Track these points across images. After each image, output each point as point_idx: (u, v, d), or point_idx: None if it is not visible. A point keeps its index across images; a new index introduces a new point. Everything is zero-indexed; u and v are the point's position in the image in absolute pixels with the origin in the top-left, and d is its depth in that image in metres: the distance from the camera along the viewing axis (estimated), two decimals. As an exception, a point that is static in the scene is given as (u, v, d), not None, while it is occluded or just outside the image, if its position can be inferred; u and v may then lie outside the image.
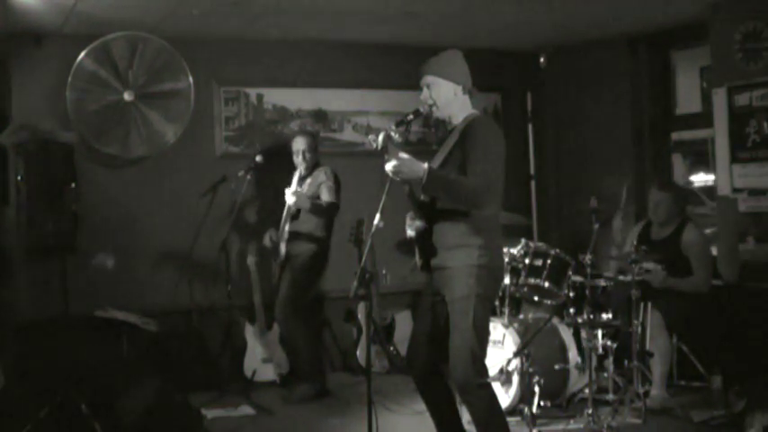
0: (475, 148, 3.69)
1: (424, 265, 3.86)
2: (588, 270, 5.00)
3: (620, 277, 5.42)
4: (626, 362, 5.06)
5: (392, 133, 3.76)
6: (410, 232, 3.83)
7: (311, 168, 5.85)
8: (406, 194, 3.89)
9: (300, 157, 5.83)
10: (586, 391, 4.90)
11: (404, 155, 3.67)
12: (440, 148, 3.94)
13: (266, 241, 5.96)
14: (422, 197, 3.82)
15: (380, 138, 3.75)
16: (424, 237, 3.82)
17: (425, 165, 3.63)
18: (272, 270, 6.31)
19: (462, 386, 3.74)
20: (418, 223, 3.82)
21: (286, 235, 5.78)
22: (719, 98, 5.73)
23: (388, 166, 3.63)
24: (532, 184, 7.37)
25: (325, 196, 5.66)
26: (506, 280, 5.24)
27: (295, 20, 5.92)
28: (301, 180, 5.84)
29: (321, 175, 5.75)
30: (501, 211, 3.90)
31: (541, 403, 4.94)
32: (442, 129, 4.02)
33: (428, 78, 3.86)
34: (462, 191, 3.64)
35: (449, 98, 3.86)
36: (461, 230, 3.72)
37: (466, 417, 5.15)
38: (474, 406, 3.76)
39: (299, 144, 5.85)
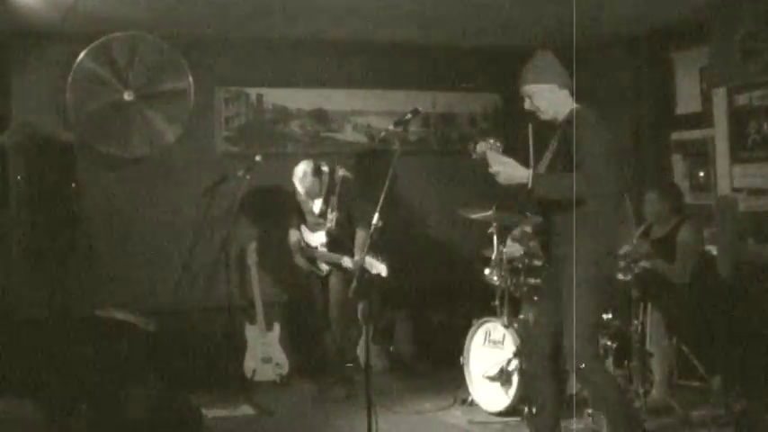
0: (577, 144, 3.80)
1: (548, 255, 4.03)
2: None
3: (620, 276, 5.41)
4: (626, 362, 5.06)
5: (491, 142, 3.92)
6: (527, 229, 4.07)
7: None
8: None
9: None
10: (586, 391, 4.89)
11: (506, 159, 3.85)
12: (548, 144, 4.05)
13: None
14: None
15: (479, 148, 3.92)
16: (544, 229, 4.01)
17: (530, 170, 3.80)
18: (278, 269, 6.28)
19: (582, 371, 3.84)
20: (535, 218, 3.95)
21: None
22: (719, 98, 5.72)
23: (493, 171, 3.81)
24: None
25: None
26: (507, 280, 5.25)
27: (295, 20, 5.92)
28: None
29: None
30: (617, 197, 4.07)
31: (541, 403, 4.93)
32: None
33: (526, 89, 4.03)
34: (569, 189, 3.74)
35: (549, 100, 3.99)
36: (575, 220, 3.82)
37: (468, 416, 5.17)
38: (593, 387, 3.91)
39: None
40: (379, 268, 4.86)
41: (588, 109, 4.00)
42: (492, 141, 3.93)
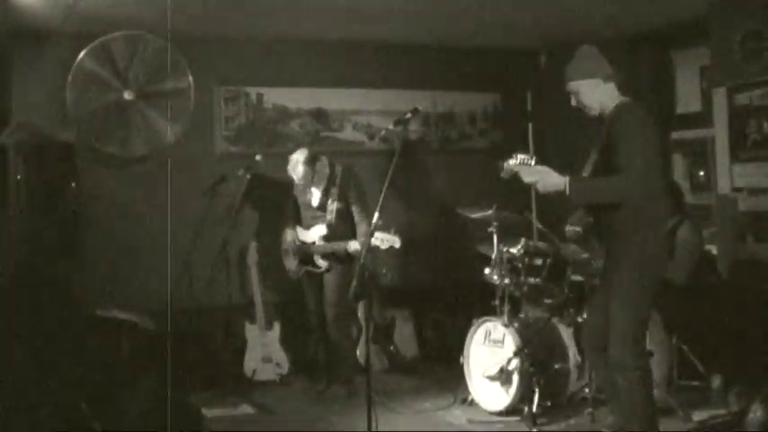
0: (620, 141, 3.77)
1: (603, 254, 4.01)
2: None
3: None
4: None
5: (520, 157, 3.87)
6: (577, 229, 4.12)
7: None
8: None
9: None
10: (586, 390, 4.90)
11: (540, 167, 3.82)
12: (597, 139, 4.02)
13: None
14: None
15: (507, 166, 3.88)
16: (594, 230, 4.03)
17: (566, 177, 3.76)
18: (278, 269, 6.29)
19: (616, 364, 3.84)
20: (587, 219, 3.99)
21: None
22: (719, 98, 5.73)
23: (528, 182, 3.80)
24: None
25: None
26: (506, 280, 5.25)
27: (295, 20, 5.92)
28: None
29: None
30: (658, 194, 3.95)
31: (541, 403, 4.94)
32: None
33: (571, 86, 3.99)
34: (613, 192, 3.76)
35: (594, 95, 3.96)
36: (622, 220, 3.80)
37: (468, 416, 5.17)
38: (624, 385, 3.85)
39: None
40: (392, 240, 4.71)
41: (634, 103, 3.96)
42: (522, 157, 3.87)
